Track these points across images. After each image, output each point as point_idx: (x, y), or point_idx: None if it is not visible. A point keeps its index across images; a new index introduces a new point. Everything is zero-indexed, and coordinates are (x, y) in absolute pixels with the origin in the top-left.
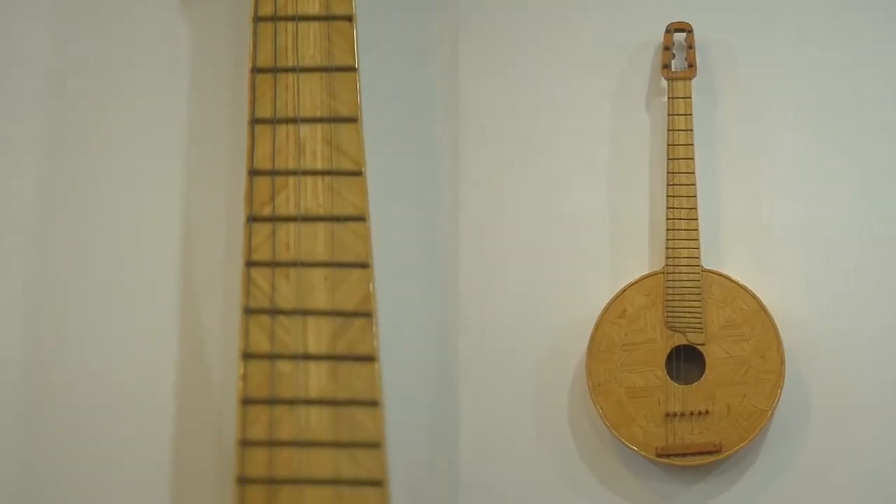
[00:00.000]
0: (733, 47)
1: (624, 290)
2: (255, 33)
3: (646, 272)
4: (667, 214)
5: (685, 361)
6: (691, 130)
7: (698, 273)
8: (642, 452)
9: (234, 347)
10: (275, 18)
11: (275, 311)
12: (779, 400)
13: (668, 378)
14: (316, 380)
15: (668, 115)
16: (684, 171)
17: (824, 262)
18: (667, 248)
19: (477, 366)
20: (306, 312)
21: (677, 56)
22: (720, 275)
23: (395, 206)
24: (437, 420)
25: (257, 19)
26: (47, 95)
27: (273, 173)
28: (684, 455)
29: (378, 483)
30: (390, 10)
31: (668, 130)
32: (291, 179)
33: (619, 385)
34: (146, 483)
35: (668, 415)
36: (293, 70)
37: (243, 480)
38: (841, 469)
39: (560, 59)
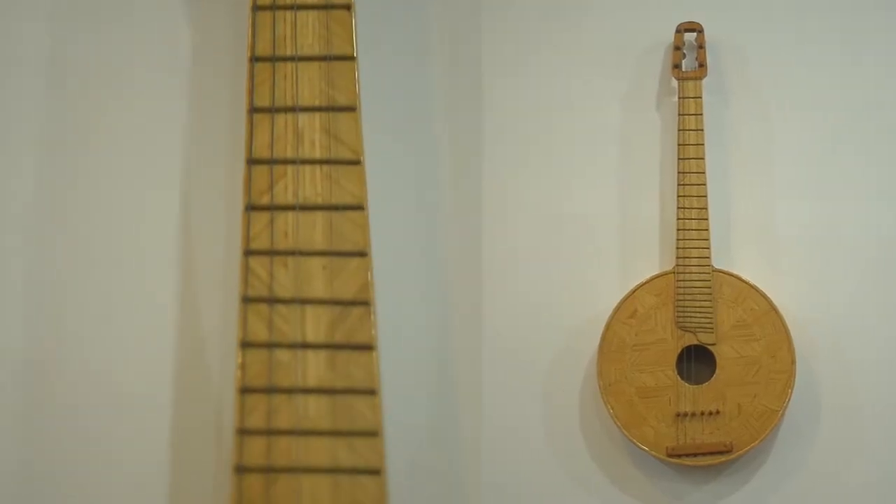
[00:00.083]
0: (744, 47)
1: (634, 290)
2: (253, 22)
3: (656, 272)
4: (677, 214)
5: (696, 361)
6: (702, 130)
7: (709, 273)
8: (653, 452)
9: (233, 336)
10: (273, 7)
11: (273, 300)
12: (789, 400)
13: (679, 378)
14: (314, 369)
15: (679, 114)
16: (695, 170)
17: (835, 262)
18: (677, 248)
19: (484, 365)
20: (304, 301)
21: (688, 56)
22: (731, 275)
23: (397, 201)
24: (437, 410)
25: (256, 8)
26: (46, 92)
27: (271, 162)
28: (695, 455)
29: (376, 472)
30: (390, 9)
31: (679, 130)
32: (290, 168)
33: (630, 385)
34: (145, 472)
35: (678, 415)
36: (292, 59)
37: (241, 469)
38: (852, 469)
39: (570, 59)
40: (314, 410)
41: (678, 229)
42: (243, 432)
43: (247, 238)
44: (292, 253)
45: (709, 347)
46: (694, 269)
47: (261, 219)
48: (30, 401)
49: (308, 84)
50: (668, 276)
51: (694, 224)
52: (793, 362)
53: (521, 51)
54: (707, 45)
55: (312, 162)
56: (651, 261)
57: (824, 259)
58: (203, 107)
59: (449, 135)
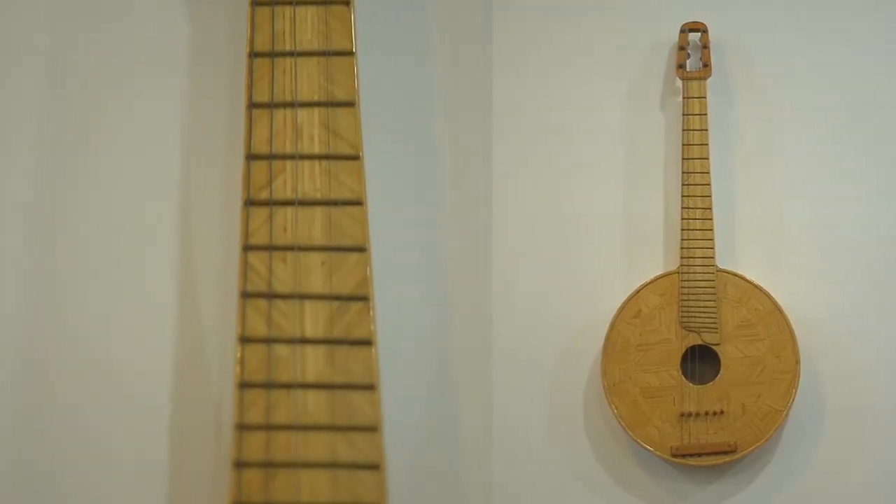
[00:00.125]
0: (748, 47)
1: (639, 290)
2: (252, 18)
3: (660, 272)
4: (682, 214)
5: (700, 361)
6: (706, 130)
7: (713, 273)
8: (657, 452)
9: (232, 332)
10: (272, 3)
11: (272, 295)
12: (794, 400)
13: (683, 378)
14: (313, 364)
15: (683, 114)
16: (699, 171)
17: (840, 262)
18: (681, 248)
19: (488, 365)
20: (303, 296)
21: (692, 56)
22: (735, 275)
23: (398, 198)
24: (437, 409)
25: (255, 3)
26: (46, 87)
27: (270, 157)
28: (699, 455)
29: (375, 467)
30: (390, 9)
31: (683, 130)
32: (289, 163)
33: (634, 385)
34: (143, 467)
35: (683, 415)
36: (291, 54)
37: (240, 464)
38: (856, 469)
39: (574, 59)
40: (313, 405)
41: (682, 229)
42: (242, 427)
43: (245, 233)
44: (291, 248)
45: (713, 347)
46: (698, 269)
47: (260, 214)
48: (28, 397)
49: (307, 79)
50: (672, 276)
51: (698, 224)
52: (797, 362)
53: (525, 50)
54: (711, 45)
55: (311, 157)
56: (655, 261)
57: (829, 259)
58: (202, 103)
59: (451, 134)
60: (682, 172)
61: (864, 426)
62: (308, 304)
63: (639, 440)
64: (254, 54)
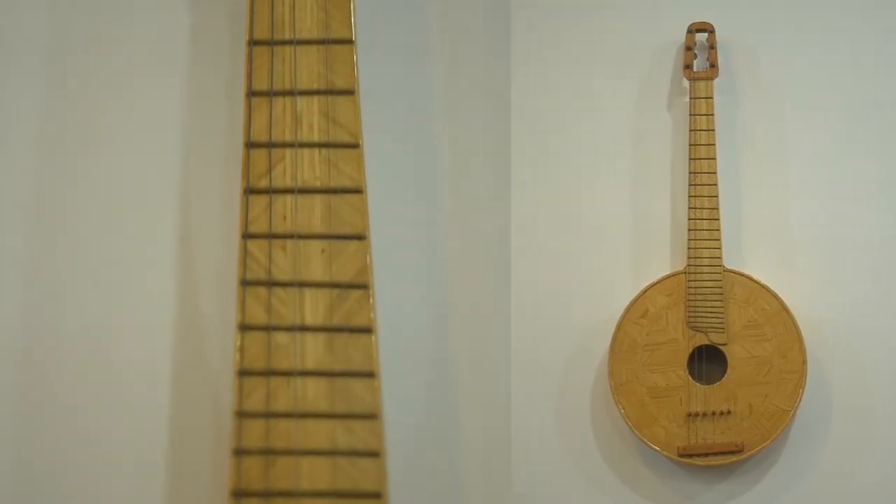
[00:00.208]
0: (755, 47)
1: (646, 290)
2: (252, 6)
3: (668, 272)
4: (689, 214)
5: (707, 361)
6: (713, 130)
7: (720, 273)
8: (664, 452)
9: (231, 320)
10: None
11: (271, 283)
12: (801, 400)
13: (690, 378)
14: (312, 351)
15: (690, 115)
16: (706, 171)
17: (847, 262)
18: (689, 248)
19: (495, 365)
20: (303, 284)
21: (699, 56)
22: (742, 275)
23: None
24: (438, 410)
25: None
26: (46, 87)
27: (270, 145)
28: (706, 455)
29: (375, 454)
30: (390, 8)
31: (690, 130)
32: (288, 152)
33: (641, 385)
34: (142, 454)
35: (689, 415)
36: (290, 42)
37: (240, 452)
38: (864, 469)
39: (581, 59)
40: (313, 393)
41: (689, 229)
42: (242, 415)
43: (245, 221)
44: (291, 236)
45: (720, 347)
46: (705, 269)
47: (259, 202)
48: (27, 388)
49: (306, 67)
50: (679, 276)
51: (705, 224)
52: (804, 362)
53: (531, 51)
54: (718, 46)
55: (311, 145)
56: (662, 261)
57: (836, 259)
58: (202, 103)
59: (456, 133)
60: (690, 172)
61: (871, 426)
62: (308, 292)
63: (646, 440)
64: (253, 42)
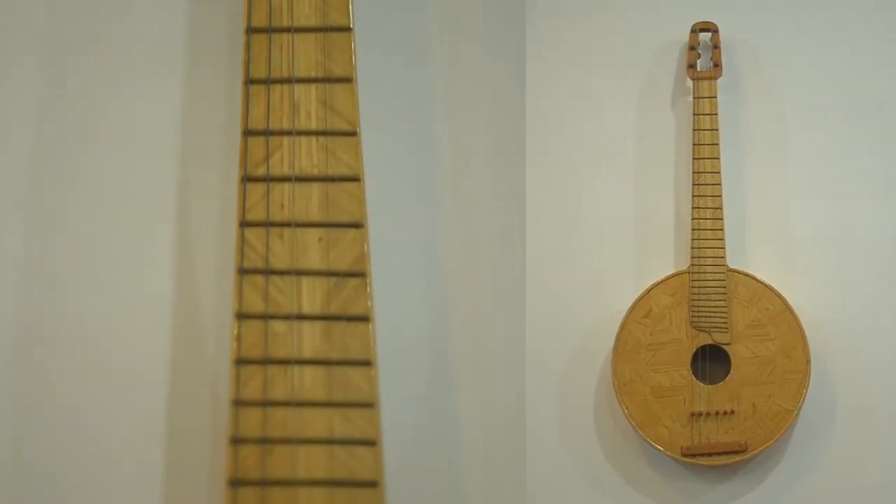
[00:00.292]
0: (759, 47)
1: (649, 290)
2: None
3: (671, 272)
4: (692, 214)
5: (710, 361)
6: (717, 130)
7: (724, 273)
8: (668, 452)
9: (229, 308)
10: None
11: (269, 272)
12: (804, 400)
13: (694, 378)
14: (310, 340)
15: (694, 114)
16: (710, 170)
17: (851, 262)
18: (692, 247)
19: (498, 364)
20: (300, 272)
21: (703, 56)
22: (746, 274)
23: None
24: (438, 410)
25: None
26: (46, 87)
27: (267, 133)
28: (710, 455)
29: (371, 443)
30: (390, 8)
31: (694, 130)
32: (286, 140)
33: (645, 385)
34: (139, 443)
35: (693, 414)
36: (288, 30)
37: (237, 440)
38: (867, 469)
39: (584, 58)
40: (310, 381)
41: (693, 229)
42: (239, 403)
43: (242, 209)
44: (288, 224)
45: (723, 347)
46: (709, 268)
47: (257, 190)
48: (22, 359)
49: (304, 55)
50: (682, 275)
51: (709, 224)
52: (808, 362)
53: (535, 49)
54: (722, 45)
55: (308, 133)
56: (666, 260)
57: (839, 259)
58: (201, 92)
59: (458, 133)
60: (693, 172)
61: (875, 426)
62: (305, 281)
63: (649, 440)
64: (251, 30)
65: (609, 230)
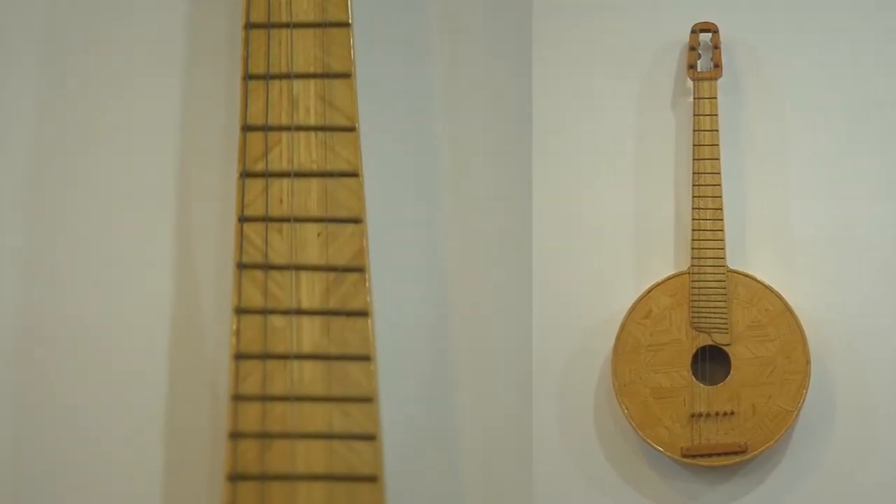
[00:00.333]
0: (759, 47)
1: (649, 291)
2: None
3: (671, 272)
4: (692, 215)
5: (710, 362)
6: (717, 131)
7: (724, 273)
8: (668, 453)
9: (227, 303)
10: None
11: (268, 267)
12: (804, 400)
13: (694, 378)
14: (309, 335)
15: (694, 115)
16: (710, 171)
17: (851, 262)
18: (692, 248)
19: (494, 365)
20: (299, 267)
21: (703, 56)
22: (746, 275)
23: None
24: (438, 410)
25: None
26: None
27: (266, 129)
28: (710, 455)
29: (371, 437)
30: (390, 9)
31: (694, 131)
32: (284, 135)
33: (645, 385)
34: (139, 438)
35: (693, 415)
36: (287, 26)
37: (236, 435)
38: (867, 469)
39: (584, 58)
40: (309, 376)
41: (693, 230)
42: (238, 398)
43: (241, 205)
44: (287, 219)
45: (723, 348)
46: (709, 269)
47: (255, 185)
48: (22, 349)
49: (303, 51)
50: (682, 276)
51: (709, 224)
52: (808, 363)
53: (535, 49)
54: (722, 46)
55: (307, 129)
56: (666, 261)
57: (839, 259)
58: (202, 102)
59: (458, 133)
60: (693, 173)
61: (875, 427)
62: (304, 276)
63: (649, 440)
64: (249, 25)
65: (609, 230)
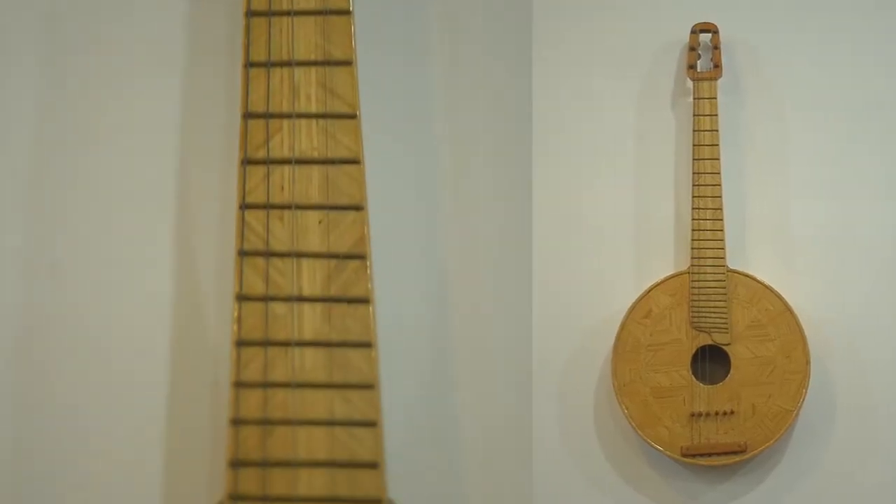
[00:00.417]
0: (759, 48)
1: (649, 290)
2: None
3: (671, 272)
4: (692, 215)
5: (710, 361)
6: (717, 131)
7: (724, 273)
8: (667, 452)
9: (229, 290)
10: None
11: (269, 254)
12: (804, 400)
13: (694, 378)
14: (310, 322)
15: (694, 115)
16: (710, 171)
17: (850, 262)
18: (692, 248)
19: (495, 365)
20: (301, 255)
21: (703, 56)
22: (746, 275)
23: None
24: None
25: None
26: (46, 87)
27: (267, 116)
28: (709, 455)
29: (372, 424)
30: (390, 9)
31: (694, 131)
32: (286, 122)
33: (645, 385)
34: (140, 425)
35: (693, 415)
36: (287, 13)
37: (238, 422)
38: (867, 469)
39: (584, 59)
40: (310, 363)
41: (693, 229)
42: (239, 385)
43: (243, 192)
44: (288, 207)
45: (723, 347)
46: (709, 269)
47: (257, 173)
48: (23, 372)
49: (304, 38)
50: (682, 276)
51: (709, 224)
52: (807, 362)
53: (535, 49)
54: (722, 46)
55: (308, 116)
56: (666, 261)
57: (839, 259)
58: (201, 103)
59: (458, 133)
60: (693, 173)
61: (874, 426)
62: (305, 263)
63: (649, 440)
64: (251, 13)
65: (609, 230)
